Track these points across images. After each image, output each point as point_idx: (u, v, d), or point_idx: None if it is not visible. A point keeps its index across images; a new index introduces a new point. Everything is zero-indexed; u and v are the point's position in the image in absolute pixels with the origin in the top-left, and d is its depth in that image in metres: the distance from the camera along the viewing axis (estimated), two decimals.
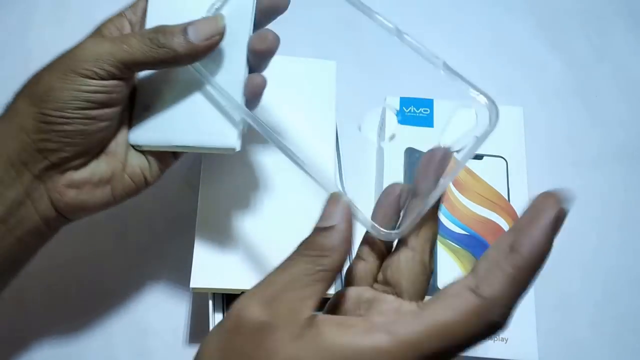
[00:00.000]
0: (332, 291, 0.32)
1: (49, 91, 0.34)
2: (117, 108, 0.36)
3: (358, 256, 0.31)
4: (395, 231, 0.29)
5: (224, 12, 0.37)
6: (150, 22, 0.38)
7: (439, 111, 0.49)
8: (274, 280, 0.26)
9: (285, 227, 0.43)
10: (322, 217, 0.28)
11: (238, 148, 0.37)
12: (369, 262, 0.30)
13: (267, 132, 0.34)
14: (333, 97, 0.47)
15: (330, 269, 0.26)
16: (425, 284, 0.29)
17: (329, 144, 0.46)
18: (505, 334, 0.42)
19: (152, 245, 0.49)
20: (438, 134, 0.49)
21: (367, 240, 0.31)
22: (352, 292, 0.29)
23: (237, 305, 0.26)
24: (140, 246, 0.49)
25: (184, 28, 0.35)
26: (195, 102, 0.38)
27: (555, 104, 0.58)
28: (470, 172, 0.47)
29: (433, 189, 0.29)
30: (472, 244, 0.45)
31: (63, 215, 0.37)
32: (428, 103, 0.50)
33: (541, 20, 0.62)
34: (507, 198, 0.46)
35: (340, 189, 0.48)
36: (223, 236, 0.42)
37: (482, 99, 0.33)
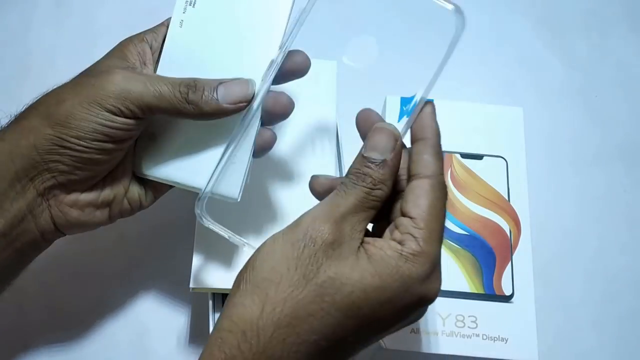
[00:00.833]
0: None
1: (71, 118, 0.34)
2: (131, 142, 0.37)
3: None
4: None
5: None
6: (167, 52, 0.38)
7: (439, 111, 0.49)
8: (339, 204, 0.30)
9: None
10: (375, 147, 0.31)
11: (239, 200, 0.37)
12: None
13: None
14: (334, 97, 0.47)
15: (380, 199, 0.31)
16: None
17: (330, 143, 0.46)
18: (505, 334, 0.42)
19: (152, 245, 0.49)
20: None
21: None
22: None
23: (306, 221, 0.30)
24: (140, 246, 0.49)
25: (215, 86, 0.35)
26: (202, 142, 0.38)
27: (555, 104, 0.58)
28: (470, 172, 0.47)
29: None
30: (472, 244, 0.45)
31: (59, 230, 0.38)
32: None
33: (541, 20, 0.62)
34: (507, 198, 0.46)
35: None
36: (223, 236, 0.42)
37: (449, 6, 0.35)
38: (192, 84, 0.35)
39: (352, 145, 0.51)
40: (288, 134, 0.45)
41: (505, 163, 0.48)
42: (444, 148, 0.47)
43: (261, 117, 0.37)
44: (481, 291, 0.43)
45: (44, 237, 0.37)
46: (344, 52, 0.45)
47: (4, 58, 0.56)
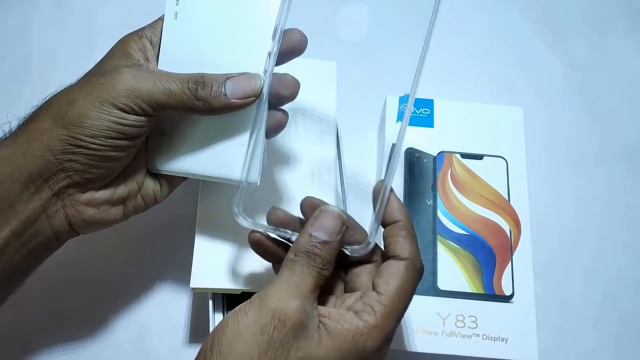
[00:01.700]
0: None
1: (84, 117, 0.34)
2: (143, 139, 0.37)
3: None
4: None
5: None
6: (166, 46, 0.38)
7: (439, 111, 0.49)
8: (300, 283, 0.32)
9: None
10: (323, 228, 0.33)
11: (259, 183, 0.38)
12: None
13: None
14: (334, 97, 0.47)
15: (326, 279, 0.33)
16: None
17: (330, 143, 0.46)
18: (505, 334, 0.42)
19: (152, 245, 0.49)
20: (438, 134, 0.49)
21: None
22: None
23: (272, 302, 0.31)
24: (140, 246, 0.49)
25: (223, 82, 0.36)
26: (212, 131, 0.38)
27: (555, 104, 0.58)
28: (470, 172, 0.47)
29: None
30: (472, 244, 0.45)
31: (74, 229, 0.38)
32: (428, 103, 0.50)
33: (541, 20, 0.62)
34: (507, 198, 0.46)
35: (340, 190, 0.48)
36: (223, 236, 0.42)
37: None
38: (200, 80, 0.36)
39: (353, 145, 0.52)
40: (288, 134, 0.45)
41: (505, 163, 0.48)
42: (445, 148, 0.48)
43: (269, 100, 0.38)
44: (481, 291, 0.43)
45: (57, 238, 0.37)
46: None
47: (4, 58, 0.56)
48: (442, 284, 0.43)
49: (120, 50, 0.38)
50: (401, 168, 0.47)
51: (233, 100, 0.36)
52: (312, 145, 0.46)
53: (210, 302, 0.42)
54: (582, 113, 0.58)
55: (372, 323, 0.31)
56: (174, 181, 0.41)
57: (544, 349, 0.42)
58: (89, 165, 0.35)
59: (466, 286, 0.44)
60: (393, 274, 0.32)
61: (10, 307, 0.46)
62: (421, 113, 0.49)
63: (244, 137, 0.37)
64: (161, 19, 0.39)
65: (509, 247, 0.45)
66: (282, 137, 0.45)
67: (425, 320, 0.42)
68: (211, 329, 0.42)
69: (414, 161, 0.48)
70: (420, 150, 0.48)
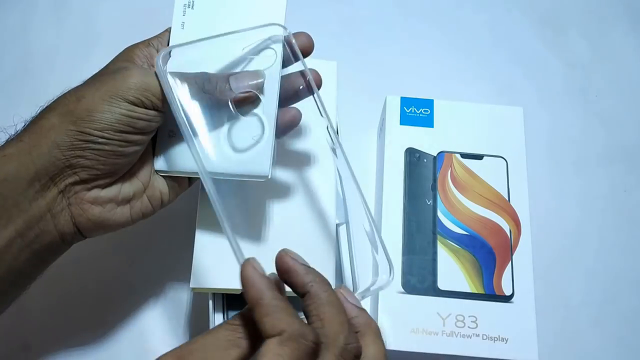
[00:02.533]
0: None
1: (92, 111, 0.35)
2: (151, 135, 0.38)
3: None
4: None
5: (255, 49, 0.39)
6: (174, 56, 0.38)
7: (439, 111, 0.49)
8: (196, 341, 0.29)
9: (285, 227, 0.43)
10: (250, 290, 0.29)
11: (270, 176, 0.38)
12: None
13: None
14: (334, 97, 0.47)
15: (246, 337, 0.29)
16: None
17: (330, 144, 0.46)
18: (505, 334, 0.42)
19: (152, 245, 0.49)
20: (438, 134, 0.49)
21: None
22: None
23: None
24: (141, 246, 0.49)
25: (227, 77, 0.37)
26: (223, 129, 0.38)
27: (555, 104, 0.58)
28: (470, 172, 0.47)
29: None
30: (472, 244, 0.45)
31: (80, 231, 0.38)
32: (428, 103, 0.50)
33: (541, 19, 0.62)
34: (507, 198, 0.46)
35: (340, 190, 0.48)
36: (223, 236, 0.42)
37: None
38: (206, 77, 0.37)
39: (353, 145, 0.52)
40: (288, 134, 0.45)
41: (505, 163, 0.48)
42: (445, 148, 0.48)
43: (280, 98, 0.39)
44: (481, 291, 0.43)
45: (63, 239, 0.37)
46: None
47: (3, 58, 0.56)
48: (442, 284, 0.43)
49: (125, 56, 0.38)
50: (401, 168, 0.47)
51: (238, 94, 0.37)
52: (311, 145, 0.46)
53: (210, 302, 0.42)
54: (582, 113, 0.58)
55: None
56: (181, 183, 0.41)
57: (544, 349, 0.42)
58: (96, 161, 0.35)
59: (466, 286, 0.44)
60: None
61: (10, 306, 0.46)
62: (421, 113, 0.49)
63: (255, 133, 0.38)
64: (168, 30, 0.40)
65: (509, 247, 0.45)
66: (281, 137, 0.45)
67: (425, 320, 0.42)
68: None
69: (414, 161, 0.48)
70: (420, 150, 0.48)
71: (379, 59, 0.59)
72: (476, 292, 0.43)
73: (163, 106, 0.36)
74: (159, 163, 0.39)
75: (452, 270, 0.44)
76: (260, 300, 0.28)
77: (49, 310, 0.47)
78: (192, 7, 0.39)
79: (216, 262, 0.41)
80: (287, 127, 0.40)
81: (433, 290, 0.43)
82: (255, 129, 0.38)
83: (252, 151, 0.38)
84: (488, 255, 0.45)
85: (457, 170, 0.47)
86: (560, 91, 0.59)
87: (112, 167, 0.37)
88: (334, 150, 0.39)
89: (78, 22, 0.59)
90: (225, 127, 0.39)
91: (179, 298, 0.48)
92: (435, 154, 0.48)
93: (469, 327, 0.42)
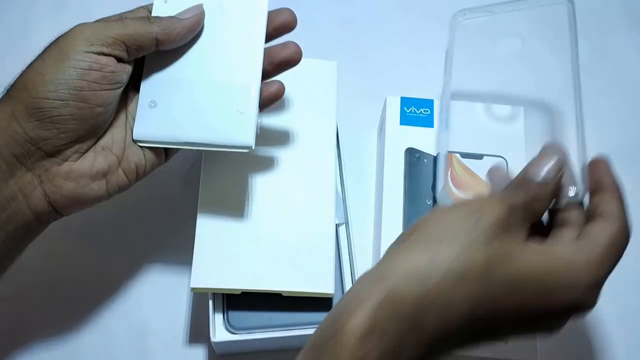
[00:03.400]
0: None
1: (43, 71, 0.34)
2: (110, 92, 0.36)
3: None
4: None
5: (237, 17, 0.40)
6: None
7: (439, 111, 0.49)
8: (511, 196, 0.32)
9: (286, 227, 0.43)
10: (542, 168, 0.33)
11: (253, 147, 0.38)
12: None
13: None
14: (334, 97, 0.47)
15: (540, 213, 0.33)
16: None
17: (330, 144, 0.46)
18: None
19: (152, 245, 0.49)
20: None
21: None
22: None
23: (482, 198, 0.32)
24: (140, 246, 0.49)
25: (169, 16, 0.38)
26: (206, 99, 0.39)
27: (555, 104, 0.58)
28: (470, 172, 0.47)
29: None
30: None
31: (56, 209, 0.37)
32: (428, 103, 0.50)
33: (541, 19, 0.62)
34: None
35: (340, 190, 0.48)
36: (223, 236, 0.42)
37: None
38: (152, 17, 0.38)
39: (353, 145, 0.52)
40: (288, 134, 0.45)
41: (505, 163, 0.48)
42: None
43: (264, 70, 0.40)
44: None
45: (38, 219, 0.36)
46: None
47: (3, 58, 0.56)
48: None
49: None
50: (401, 168, 0.47)
51: (185, 18, 0.38)
52: (311, 145, 0.46)
53: (210, 302, 0.42)
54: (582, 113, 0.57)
55: (598, 256, 0.32)
56: (159, 155, 0.40)
57: (544, 349, 0.42)
58: (56, 129, 0.34)
59: None
60: (607, 226, 0.33)
61: (10, 306, 0.46)
62: (421, 113, 0.49)
63: (239, 105, 0.38)
64: (144, 7, 0.40)
65: None
66: (281, 137, 0.45)
67: None
68: (211, 329, 0.42)
69: (414, 161, 0.48)
70: (420, 150, 0.48)
71: (379, 59, 0.59)
72: None
73: (118, 50, 0.35)
74: (139, 133, 0.39)
75: None
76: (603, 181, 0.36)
77: (48, 310, 0.47)
78: None
79: (216, 262, 0.41)
80: (270, 100, 0.40)
81: None
82: (239, 100, 0.38)
83: (235, 122, 0.38)
84: None
85: (457, 170, 0.47)
86: (560, 91, 0.59)
87: (75, 134, 0.35)
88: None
89: (77, 22, 0.59)
90: (208, 98, 0.39)
91: (179, 298, 0.48)
92: (435, 154, 0.48)
93: None
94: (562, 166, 0.34)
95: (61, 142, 0.35)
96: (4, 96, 0.35)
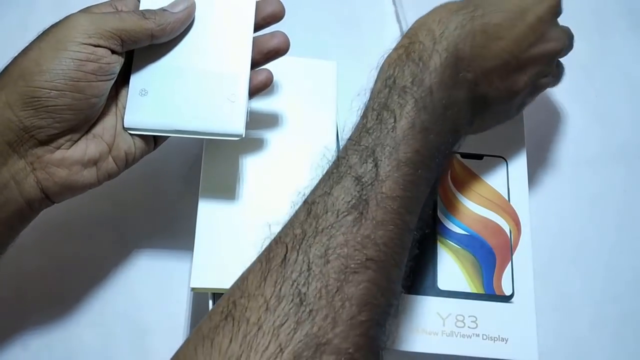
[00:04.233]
0: None
1: (40, 61, 0.34)
2: (105, 83, 0.36)
3: None
4: None
5: (226, 6, 0.40)
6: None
7: None
8: None
9: None
10: None
11: (244, 135, 0.39)
12: None
13: None
14: (334, 97, 0.47)
15: None
16: None
17: (330, 143, 0.46)
18: (505, 334, 0.42)
19: (152, 245, 0.49)
20: None
21: None
22: None
23: None
24: (140, 246, 0.49)
25: (162, 9, 0.39)
26: (197, 88, 0.39)
27: (555, 104, 0.58)
28: (470, 172, 0.47)
29: None
30: (472, 244, 0.45)
31: (48, 196, 0.37)
32: None
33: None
34: (507, 198, 0.46)
35: None
36: (223, 236, 0.42)
37: None
38: (145, 10, 0.38)
39: None
40: (288, 134, 0.45)
41: (505, 163, 0.48)
42: None
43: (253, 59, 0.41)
44: (481, 291, 0.43)
45: (30, 206, 0.36)
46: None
47: (3, 58, 0.56)
48: (442, 284, 0.43)
49: (80, 10, 0.38)
50: None
51: (177, 11, 0.38)
52: (311, 145, 0.46)
53: (210, 302, 0.42)
54: (582, 113, 0.57)
55: None
56: (148, 143, 0.40)
57: (544, 349, 0.42)
58: (51, 119, 0.34)
59: (466, 286, 0.44)
60: None
61: (10, 306, 0.46)
62: None
63: (229, 93, 0.39)
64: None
65: (509, 247, 0.45)
66: (281, 137, 0.45)
67: (425, 320, 0.42)
68: None
69: None
70: None
71: (379, 59, 0.59)
72: (476, 292, 0.43)
73: (114, 43, 0.36)
74: (130, 121, 0.39)
75: (452, 270, 0.44)
76: None
77: (48, 310, 0.47)
78: None
79: (216, 262, 0.41)
80: (259, 89, 0.41)
81: (433, 290, 0.43)
82: (229, 88, 0.39)
83: (226, 110, 0.39)
84: (488, 255, 0.45)
85: (457, 170, 0.47)
86: (560, 91, 0.59)
87: (69, 124, 0.35)
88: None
89: None
90: (199, 86, 0.39)
91: (179, 298, 0.48)
92: None
93: (469, 327, 0.42)
94: None
95: (55, 131, 0.35)
96: None
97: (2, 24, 0.58)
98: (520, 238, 0.45)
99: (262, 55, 0.41)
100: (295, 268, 0.29)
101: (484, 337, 0.42)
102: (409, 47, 0.37)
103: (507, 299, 0.43)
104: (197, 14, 0.40)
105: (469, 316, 0.42)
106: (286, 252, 0.30)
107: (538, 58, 0.39)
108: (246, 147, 0.44)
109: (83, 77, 0.35)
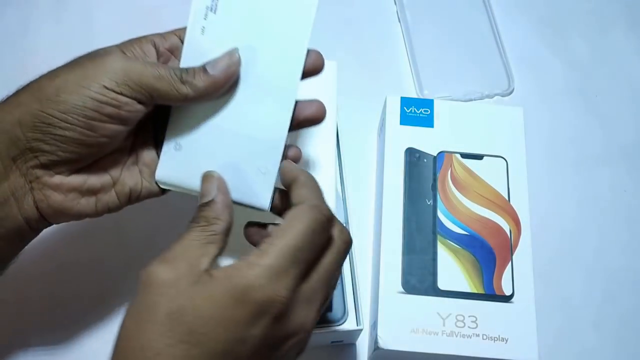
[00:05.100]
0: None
1: (61, 91, 0.33)
2: (120, 128, 0.35)
3: None
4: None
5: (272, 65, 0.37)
6: (188, 61, 0.37)
7: (439, 111, 0.49)
8: (173, 248, 0.32)
9: None
10: (201, 196, 0.35)
11: (269, 209, 0.37)
12: None
13: None
14: (334, 97, 0.47)
15: (218, 232, 0.32)
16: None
17: (330, 144, 0.46)
18: (505, 334, 0.42)
19: (152, 245, 0.49)
20: (438, 134, 0.49)
21: None
22: None
23: (143, 272, 0.31)
24: (140, 246, 0.49)
25: (203, 66, 0.36)
26: (230, 151, 0.37)
27: (555, 104, 0.58)
28: (470, 172, 0.47)
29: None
30: (472, 244, 0.45)
31: (44, 217, 0.36)
32: (428, 103, 0.50)
33: (541, 19, 0.62)
34: (507, 198, 0.46)
35: (340, 190, 0.48)
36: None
37: None
38: (184, 68, 0.36)
39: (352, 145, 0.52)
40: (287, 134, 0.45)
41: (505, 163, 0.48)
42: (445, 148, 0.48)
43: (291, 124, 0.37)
44: (481, 291, 0.43)
45: (29, 225, 0.36)
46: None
47: (3, 58, 0.56)
48: (442, 284, 0.43)
49: (119, 46, 0.37)
50: (401, 168, 0.47)
51: (215, 74, 0.35)
52: (311, 145, 0.46)
53: None
54: (582, 113, 0.58)
55: (253, 260, 0.30)
56: (152, 190, 0.39)
57: (544, 349, 0.42)
58: (56, 147, 0.34)
59: (466, 286, 0.44)
60: (287, 217, 0.32)
61: (10, 306, 0.46)
62: (421, 113, 0.49)
63: (262, 163, 0.37)
64: (174, 33, 0.38)
65: (509, 247, 0.45)
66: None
67: (425, 320, 0.42)
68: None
69: (414, 161, 0.48)
70: (420, 150, 0.48)
71: (379, 59, 0.59)
72: (476, 292, 0.43)
73: (139, 94, 0.34)
74: (162, 175, 0.38)
75: (452, 270, 0.44)
76: (298, 177, 0.35)
77: (48, 311, 0.47)
78: (215, 11, 0.36)
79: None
80: (307, 124, 0.39)
81: (433, 290, 0.43)
82: (263, 157, 0.37)
83: (255, 181, 0.37)
84: (488, 255, 0.45)
85: (457, 170, 0.47)
86: (560, 91, 0.59)
87: (72, 156, 0.35)
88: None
89: (78, 22, 0.59)
90: (233, 149, 0.37)
91: None
92: (435, 154, 0.48)
93: (469, 327, 0.42)
94: (219, 180, 0.35)
95: (57, 158, 0.34)
96: (15, 96, 0.35)
97: (2, 24, 0.58)
98: (520, 238, 0.45)
99: (296, 122, 0.38)
100: None
101: (484, 337, 0.42)
102: None
103: (507, 299, 0.43)
104: (242, 68, 0.37)
105: (469, 316, 0.42)
106: None
107: None
108: None
109: (98, 117, 0.34)
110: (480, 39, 0.60)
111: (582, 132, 0.57)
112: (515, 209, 0.46)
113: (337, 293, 0.42)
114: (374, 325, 0.44)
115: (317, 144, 0.46)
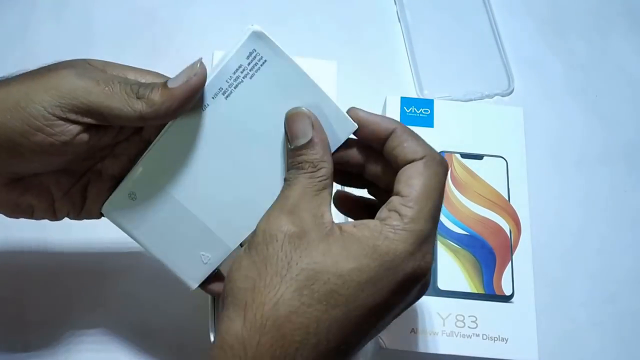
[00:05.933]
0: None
1: (4, 101, 0.29)
2: (57, 158, 0.31)
3: None
4: None
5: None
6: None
7: (439, 111, 0.49)
8: (288, 196, 0.30)
9: None
10: (295, 137, 0.31)
11: (193, 289, 0.37)
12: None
13: None
14: (334, 97, 0.47)
15: (327, 176, 0.30)
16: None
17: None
18: (505, 334, 0.42)
19: None
20: (438, 134, 0.49)
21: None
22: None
23: (261, 224, 0.29)
24: (140, 246, 0.49)
25: (164, 81, 0.31)
26: (182, 232, 0.36)
27: (555, 104, 0.58)
28: (470, 172, 0.47)
29: None
30: (472, 244, 0.45)
31: None
32: (428, 103, 0.50)
33: (541, 20, 0.62)
34: (507, 198, 0.46)
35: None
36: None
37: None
38: (143, 83, 0.31)
39: None
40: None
41: (505, 163, 0.48)
42: (445, 148, 0.48)
43: None
44: (481, 291, 0.43)
45: None
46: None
47: (3, 58, 0.56)
48: (442, 284, 0.43)
49: (76, 61, 0.32)
50: None
51: (174, 87, 0.30)
52: None
53: (210, 302, 0.42)
54: (582, 113, 0.58)
55: (398, 226, 0.28)
56: (92, 214, 0.37)
57: (544, 349, 0.42)
58: None
59: (466, 286, 0.44)
60: (413, 175, 0.30)
61: (10, 307, 0.46)
62: (421, 113, 0.49)
63: (206, 252, 0.36)
64: (150, 72, 0.34)
65: (509, 247, 0.45)
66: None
67: (425, 320, 0.42)
68: (211, 329, 0.42)
69: None
70: None
71: (379, 59, 0.59)
72: (476, 292, 0.43)
73: (100, 120, 0.30)
74: (108, 211, 0.36)
75: (452, 270, 0.44)
76: (397, 128, 0.31)
77: (48, 310, 0.47)
78: (227, 96, 0.33)
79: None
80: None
81: (433, 290, 0.43)
82: (209, 250, 0.36)
83: (193, 263, 0.36)
84: (488, 255, 0.45)
85: (457, 170, 0.47)
86: (561, 91, 0.59)
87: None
88: None
89: (78, 23, 0.59)
90: (183, 226, 0.35)
91: (179, 298, 0.48)
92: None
93: (469, 327, 0.42)
94: (311, 117, 0.32)
95: None
96: None
97: (2, 24, 0.58)
98: (520, 238, 0.45)
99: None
100: None
101: (484, 337, 0.42)
102: None
103: (507, 299, 0.43)
104: (227, 162, 0.34)
105: (469, 316, 0.42)
106: None
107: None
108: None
109: (26, 144, 0.30)
110: (480, 39, 0.60)
111: (582, 132, 0.57)
112: (515, 209, 0.46)
113: None
114: None
115: None
